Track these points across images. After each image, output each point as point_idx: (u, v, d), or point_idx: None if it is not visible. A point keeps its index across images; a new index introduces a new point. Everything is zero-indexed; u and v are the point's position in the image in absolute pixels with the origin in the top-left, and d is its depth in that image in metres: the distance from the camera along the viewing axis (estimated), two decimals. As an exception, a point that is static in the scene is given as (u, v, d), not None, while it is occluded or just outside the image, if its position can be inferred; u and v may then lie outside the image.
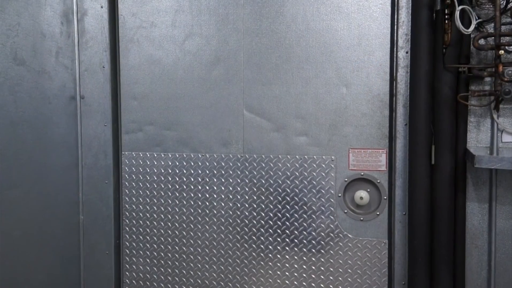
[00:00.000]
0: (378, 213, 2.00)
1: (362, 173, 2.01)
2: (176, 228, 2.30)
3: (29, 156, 2.07)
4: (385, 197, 1.99)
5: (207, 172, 2.19)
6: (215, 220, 2.25)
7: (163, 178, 2.28)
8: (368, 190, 1.99)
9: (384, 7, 2.05)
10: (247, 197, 2.15)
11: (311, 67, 2.04)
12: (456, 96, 2.03)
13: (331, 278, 2.07)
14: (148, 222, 2.32)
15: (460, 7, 1.93)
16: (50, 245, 2.19)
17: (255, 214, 2.16)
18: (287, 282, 2.13)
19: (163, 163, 2.27)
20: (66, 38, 2.24)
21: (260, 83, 2.06)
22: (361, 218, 2.01)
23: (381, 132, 2.02)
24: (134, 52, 2.26)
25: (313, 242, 2.07)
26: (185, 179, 2.25)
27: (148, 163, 2.30)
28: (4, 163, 1.95)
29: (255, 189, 2.14)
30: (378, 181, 2.01)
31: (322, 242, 2.06)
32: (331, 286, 2.07)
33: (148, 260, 2.34)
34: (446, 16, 2.01)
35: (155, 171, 2.28)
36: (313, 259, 2.09)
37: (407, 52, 2.11)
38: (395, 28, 2.12)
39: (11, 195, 1.98)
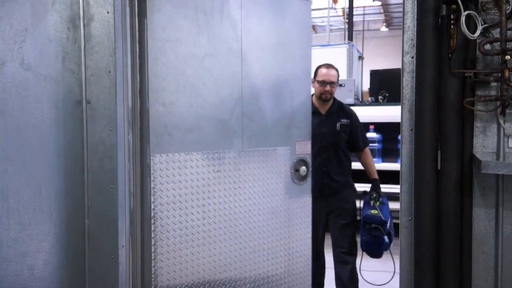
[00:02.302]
0: (308, 179, 2.85)
1: (301, 156, 2.83)
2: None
3: (35, 160, 2.07)
4: (311, 169, 2.82)
5: (220, 166, 2.61)
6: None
7: (192, 175, 2.52)
8: (304, 166, 2.86)
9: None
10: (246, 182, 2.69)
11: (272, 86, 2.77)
12: (462, 101, 2.03)
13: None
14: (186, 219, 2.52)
15: (466, 12, 1.93)
16: (56, 248, 2.20)
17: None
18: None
19: (187, 163, 2.48)
20: (73, 43, 2.25)
21: (256, 98, 2.68)
22: (301, 184, 2.84)
23: (308, 131, 2.86)
24: (162, 62, 2.37)
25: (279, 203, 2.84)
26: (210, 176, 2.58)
27: (175, 163, 2.44)
28: (11, 168, 1.96)
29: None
30: (307, 159, 2.84)
31: (283, 202, 2.83)
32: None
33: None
34: (452, 21, 2.01)
35: (182, 170, 2.48)
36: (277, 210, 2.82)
37: (412, 57, 2.11)
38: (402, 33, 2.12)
39: (17, 199, 1.99)
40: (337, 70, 3.44)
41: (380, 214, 3.08)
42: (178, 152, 2.47)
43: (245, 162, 2.65)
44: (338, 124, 3.37)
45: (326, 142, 3.36)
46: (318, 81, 3.36)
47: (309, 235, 2.87)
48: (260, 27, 2.66)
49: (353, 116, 3.47)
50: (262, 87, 2.69)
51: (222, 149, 2.58)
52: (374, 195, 3.27)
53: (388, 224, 3.08)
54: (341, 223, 3.40)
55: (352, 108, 4.05)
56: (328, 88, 3.33)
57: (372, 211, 3.10)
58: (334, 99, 3.46)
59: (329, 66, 3.40)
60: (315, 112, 3.40)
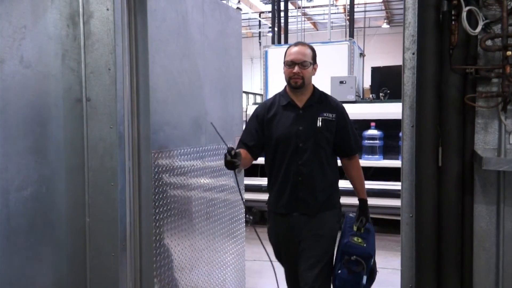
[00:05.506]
0: (242, 173, 3.11)
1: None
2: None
3: (35, 158, 2.07)
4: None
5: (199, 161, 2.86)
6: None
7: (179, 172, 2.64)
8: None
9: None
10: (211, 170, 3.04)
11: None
12: (463, 98, 2.01)
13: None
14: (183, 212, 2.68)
15: (467, 8, 1.92)
16: (56, 247, 2.20)
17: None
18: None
19: (174, 159, 2.56)
20: (72, 41, 2.24)
21: (213, 97, 2.95)
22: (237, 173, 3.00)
23: (242, 127, 3.13)
24: (156, 61, 2.43)
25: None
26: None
27: (169, 160, 2.53)
28: (11, 165, 1.96)
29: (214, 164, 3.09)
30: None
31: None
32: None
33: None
34: (453, 17, 2.00)
35: (173, 166, 2.58)
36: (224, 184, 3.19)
37: (413, 54, 2.10)
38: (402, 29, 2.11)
39: (18, 197, 1.99)
40: (312, 49, 2.53)
41: (365, 245, 2.40)
42: (176, 148, 2.59)
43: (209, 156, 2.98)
44: (319, 119, 2.47)
45: (304, 143, 2.46)
46: (285, 63, 2.49)
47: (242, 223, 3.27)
48: (213, 32, 2.90)
49: (339, 110, 2.55)
50: (216, 86, 2.95)
51: (197, 145, 2.85)
52: (363, 220, 2.48)
53: (373, 260, 2.42)
54: (310, 257, 2.45)
55: (354, 105, 3.97)
56: (297, 69, 2.43)
57: (356, 239, 2.40)
58: (315, 88, 2.58)
59: (299, 43, 2.58)
60: (288, 104, 2.52)
